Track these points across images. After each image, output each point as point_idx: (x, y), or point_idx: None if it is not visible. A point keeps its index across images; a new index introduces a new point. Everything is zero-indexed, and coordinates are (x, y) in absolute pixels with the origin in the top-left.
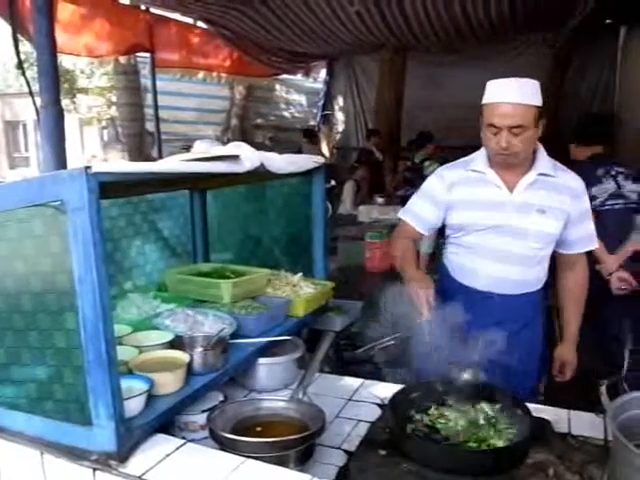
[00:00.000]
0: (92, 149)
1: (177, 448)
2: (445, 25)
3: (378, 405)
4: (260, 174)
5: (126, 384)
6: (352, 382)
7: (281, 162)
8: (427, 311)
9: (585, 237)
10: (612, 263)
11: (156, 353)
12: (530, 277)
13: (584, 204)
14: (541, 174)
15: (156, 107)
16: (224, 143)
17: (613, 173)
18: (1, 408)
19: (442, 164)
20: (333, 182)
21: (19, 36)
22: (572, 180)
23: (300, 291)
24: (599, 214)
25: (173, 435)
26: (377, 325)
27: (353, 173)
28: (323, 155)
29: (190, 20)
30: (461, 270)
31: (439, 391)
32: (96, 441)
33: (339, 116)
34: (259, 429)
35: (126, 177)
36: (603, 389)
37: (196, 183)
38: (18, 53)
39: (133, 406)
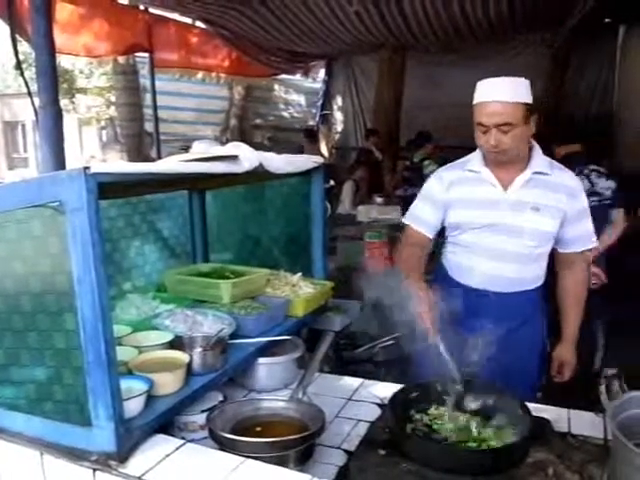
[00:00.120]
0: (91, 149)
1: (177, 448)
2: (444, 25)
3: (378, 405)
4: (259, 174)
5: (126, 384)
6: (352, 382)
7: (280, 162)
8: (433, 333)
9: (583, 236)
10: None
11: (155, 353)
12: (526, 275)
13: (581, 203)
14: (536, 172)
15: (155, 107)
16: (223, 143)
17: (586, 172)
18: (1, 409)
19: (441, 164)
20: (332, 182)
21: (17, 36)
22: (569, 179)
23: (299, 291)
24: None
25: (173, 435)
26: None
27: (352, 173)
28: (322, 155)
29: (189, 20)
30: (458, 269)
31: (439, 391)
32: (96, 442)
33: (338, 116)
34: (259, 429)
35: (125, 177)
36: (603, 388)
37: (195, 183)
38: (17, 53)
39: (133, 406)
